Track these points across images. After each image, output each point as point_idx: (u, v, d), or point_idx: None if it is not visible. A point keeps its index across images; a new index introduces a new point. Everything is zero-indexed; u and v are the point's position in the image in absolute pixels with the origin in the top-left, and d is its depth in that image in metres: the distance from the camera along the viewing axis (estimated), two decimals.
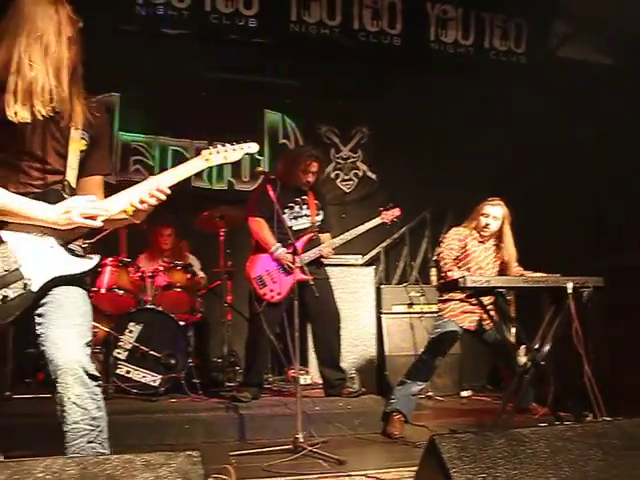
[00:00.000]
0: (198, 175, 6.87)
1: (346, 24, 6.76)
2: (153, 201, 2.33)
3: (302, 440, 3.81)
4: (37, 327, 2.26)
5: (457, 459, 1.90)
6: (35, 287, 2.23)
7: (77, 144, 2.39)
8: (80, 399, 2.18)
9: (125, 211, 2.38)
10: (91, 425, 2.21)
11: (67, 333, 2.23)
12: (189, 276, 5.50)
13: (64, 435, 2.21)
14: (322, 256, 5.04)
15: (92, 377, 2.23)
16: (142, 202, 2.33)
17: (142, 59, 6.33)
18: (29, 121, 2.25)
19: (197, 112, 6.69)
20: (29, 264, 2.24)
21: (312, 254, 4.97)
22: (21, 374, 5.16)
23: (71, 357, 2.19)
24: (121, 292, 5.28)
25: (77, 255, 2.36)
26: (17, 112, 2.23)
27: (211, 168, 6.90)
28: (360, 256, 6.34)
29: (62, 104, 2.32)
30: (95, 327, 5.17)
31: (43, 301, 2.27)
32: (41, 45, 2.27)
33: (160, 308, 5.19)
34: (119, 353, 4.97)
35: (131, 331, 5.01)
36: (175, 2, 6.53)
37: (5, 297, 2.19)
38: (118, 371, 4.95)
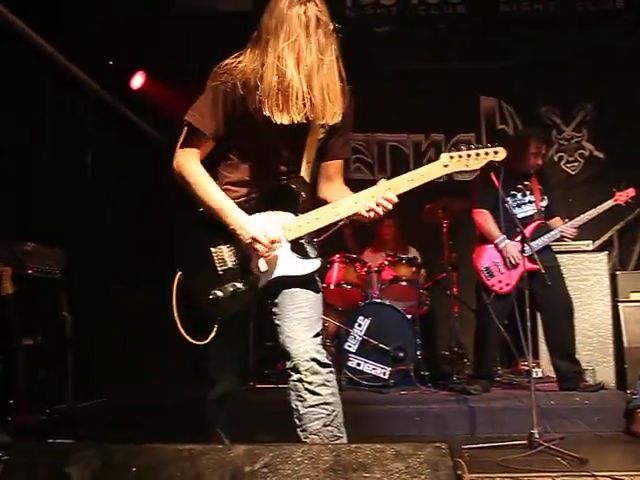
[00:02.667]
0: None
1: None
2: (380, 210, 2.31)
3: (538, 436, 3.66)
4: (273, 318, 2.42)
5: None
6: (261, 283, 2.37)
7: (316, 135, 2.42)
8: (313, 386, 2.30)
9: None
10: (326, 409, 2.31)
11: (298, 326, 2.35)
12: (414, 269, 5.56)
13: (300, 418, 2.34)
14: (565, 236, 4.83)
15: (323, 365, 2.34)
16: (369, 211, 2.32)
17: (355, 60, 6.49)
18: (285, 123, 2.28)
19: (411, 105, 6.73)
20: (258, 261, 2.37)
21: (548, 238, 4.78)
22: (262, 365, 5.58)
23: (302, 349, 2.32)
24: (349, 287, 5.49)
25: (303, 256, 2.42)
26: (273, 114, 2.27)
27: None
28: (590, 241, 5.94)
29: (314, 110, 2.29)
30: (326, 321, 5.44)
31: (278, 293, 2.40)
32: (294, 51, 2.24)
33: (387, 301, 5.30)
34: (349, 346, 5.17)
35: (360, 325, 5.19)
36: (382, 0, 6.63)
37: (237, 289, 2.35)
38: (349, 363, 5.14)
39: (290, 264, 2.38)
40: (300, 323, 2.36)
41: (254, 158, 2.44)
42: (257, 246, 2.31)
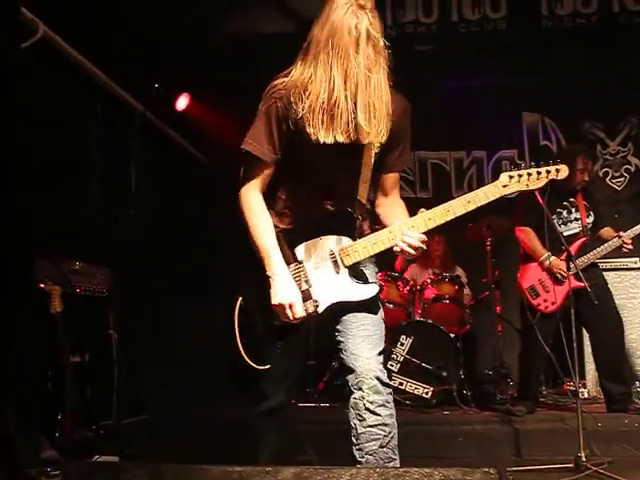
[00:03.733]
0: (459, 185, 6.90)
1: (604, 9, 6.27)
2: (407, 249, 2.26)
3: (585, 459, 3.56)
4: (336, 335, 2.41)
5: None
6: (320, 309, 2.37)
7: (370, 152, 2.36)
8: (374, 406, 2.30)
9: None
10: (383, 430, 2.30)
11: (362, 344, 2.35)
12: (457, 288, 5.52)
13: (358, 437, 2.33)
14: (623, 245, 4.74)
15: (385, 385, 2.33)
16: (401, 250, 2.27)
17: (397, 78, 6.50)
18: (329, 143, 2.24)
19: (452, 122, 6.70)
20: (317, 286, 2.37)
21: (603, 249, 4.71)
22: (303, 384, 5.58)
23: (366, 367, 2.32)
24: (391, 306, 5.48)
25: (362, 281, 2.40)
26: (318, 132, 2.24)
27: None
28: (637, 259, 5.83)
29: (358, 130, 2.23)
30: None
31: (341, 312, 2.40)
32: (343, 67, 2.18)
33: (430, 320, 5.27)
34: (392, 365, 5.13)
35: (402, 344, 5.15)
36: (422, 18, 6.65)
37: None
38: (392, 383, 5.06)
39: (349, 289, 2.37)
40: (364, 340, 2.36)
41: (309, 180, 2.41)
42: (279, 314, 2.33)
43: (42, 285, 3.73)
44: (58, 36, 4.17)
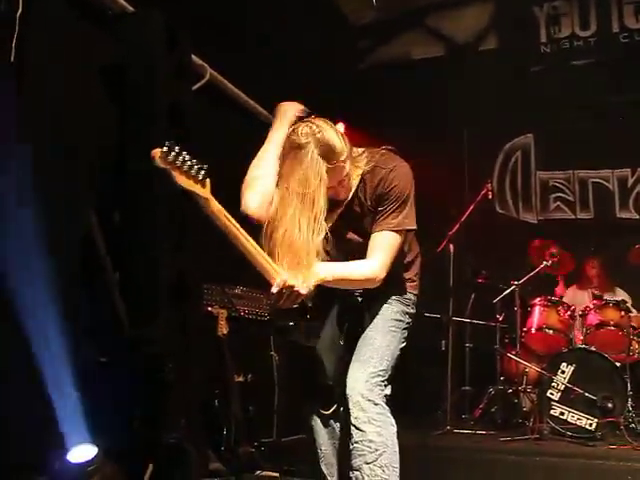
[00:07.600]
0: (624, 205, 6.52)
1: None
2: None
3: None
4: None
5: None
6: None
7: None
8: (358, 422, 2.36)
9: None
10: (369, 447, 2.34)
11: (353, 364, 2.48)
12: (623, 314, 5.19)
13: (349, 455, 2.41)
14: None
15: (372, 403, 2.39)
16: None
17: (552, 96, 6.32)
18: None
19: (615, 140, 6.37)
20: None
21: None
22: (459, 410, 5.51)
23: (352, 385, 2.42)
24: (551, 332, 5.28)
25: None
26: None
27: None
28: None
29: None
30: (527, 367, 5.26)
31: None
32: None
33: (593, 348, 5.00)
34: (552, 394, 4.91)
35: (563, 371, 4.91)
36: (579, 32, 6.45)
37: None
38: (552, 412, 4.87)
39: None
40: (355, 361, 2.49)
41: None
42: None
43: (210, 309, 3.99)
44: (223, 77, 4.51)
